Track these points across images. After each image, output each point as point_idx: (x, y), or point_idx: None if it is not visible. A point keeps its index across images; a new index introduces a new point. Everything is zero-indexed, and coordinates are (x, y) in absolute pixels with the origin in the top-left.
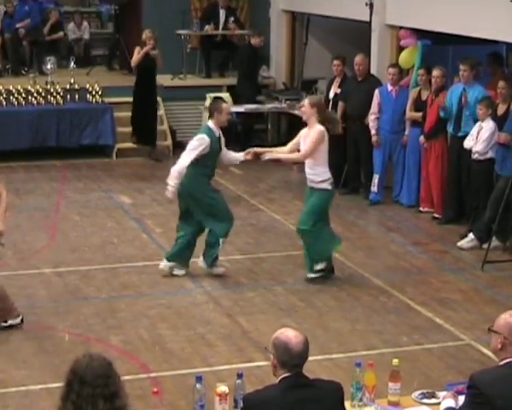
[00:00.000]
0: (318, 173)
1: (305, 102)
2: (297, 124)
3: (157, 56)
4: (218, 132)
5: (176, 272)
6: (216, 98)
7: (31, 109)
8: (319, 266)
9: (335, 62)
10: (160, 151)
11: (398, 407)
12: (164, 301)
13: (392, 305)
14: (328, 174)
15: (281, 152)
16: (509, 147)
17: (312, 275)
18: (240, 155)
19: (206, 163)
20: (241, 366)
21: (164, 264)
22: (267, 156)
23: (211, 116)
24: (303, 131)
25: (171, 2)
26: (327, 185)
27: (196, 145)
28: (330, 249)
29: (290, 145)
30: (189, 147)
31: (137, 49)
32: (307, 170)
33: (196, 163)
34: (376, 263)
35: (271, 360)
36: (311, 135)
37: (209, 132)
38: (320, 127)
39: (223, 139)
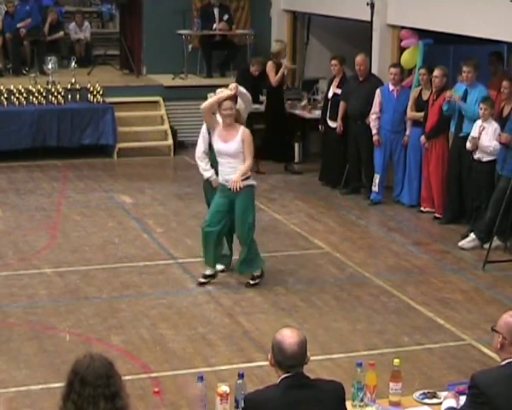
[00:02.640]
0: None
1: None
2: (298, 124)
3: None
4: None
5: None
6: None
7: (32, 109)
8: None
9: (333, 62)
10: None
11: (399, 407)
12: (165, 301)
13: (393, 305)
14: None
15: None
16: (509, 147)
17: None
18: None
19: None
20: (242, 366)
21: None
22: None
23: None
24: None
25: (171, 2)
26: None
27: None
28: None
29: None
30: None
31: (271, 64)
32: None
33: None
34: (377, 263)
35: (269, 359)
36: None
37: None
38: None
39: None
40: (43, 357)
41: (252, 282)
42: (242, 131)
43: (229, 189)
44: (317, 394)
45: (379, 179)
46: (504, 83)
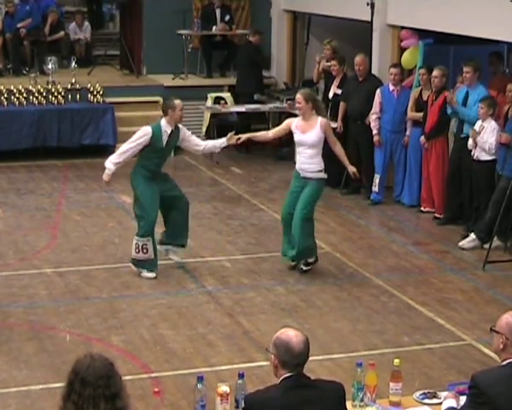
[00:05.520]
0: (318, 163)
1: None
2: None
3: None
4: (169, 129)
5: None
6: (166, 98)
7: (32, 109)
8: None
9: (332, 62)
10: None
11: (400, 408)
12: (165, 301)
13: (394, 305)
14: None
15: (260, 136)
16: (509, 147)
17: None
18: (221, 141)
19: (148, 156)
20: (242, 366)
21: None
22: (244, 137)
23: (165, 114)
24: (294, 121)
25: (171, 2)
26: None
27: (136, 137)
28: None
29: (274, 131)
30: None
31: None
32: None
33: (140, 154)
34: (377, 263)
35: (272, 361)
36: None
37: (156, 128)
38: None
39: (181, 136)
40: (44, 357)
41: (305, 268)
42: (320, 122)
43: (303, 177)
44: (318, 394)
45: (379, 179)
46: (509, 86)
